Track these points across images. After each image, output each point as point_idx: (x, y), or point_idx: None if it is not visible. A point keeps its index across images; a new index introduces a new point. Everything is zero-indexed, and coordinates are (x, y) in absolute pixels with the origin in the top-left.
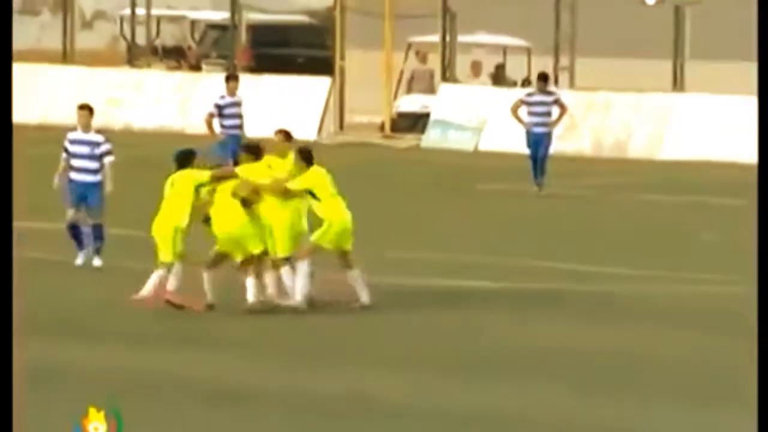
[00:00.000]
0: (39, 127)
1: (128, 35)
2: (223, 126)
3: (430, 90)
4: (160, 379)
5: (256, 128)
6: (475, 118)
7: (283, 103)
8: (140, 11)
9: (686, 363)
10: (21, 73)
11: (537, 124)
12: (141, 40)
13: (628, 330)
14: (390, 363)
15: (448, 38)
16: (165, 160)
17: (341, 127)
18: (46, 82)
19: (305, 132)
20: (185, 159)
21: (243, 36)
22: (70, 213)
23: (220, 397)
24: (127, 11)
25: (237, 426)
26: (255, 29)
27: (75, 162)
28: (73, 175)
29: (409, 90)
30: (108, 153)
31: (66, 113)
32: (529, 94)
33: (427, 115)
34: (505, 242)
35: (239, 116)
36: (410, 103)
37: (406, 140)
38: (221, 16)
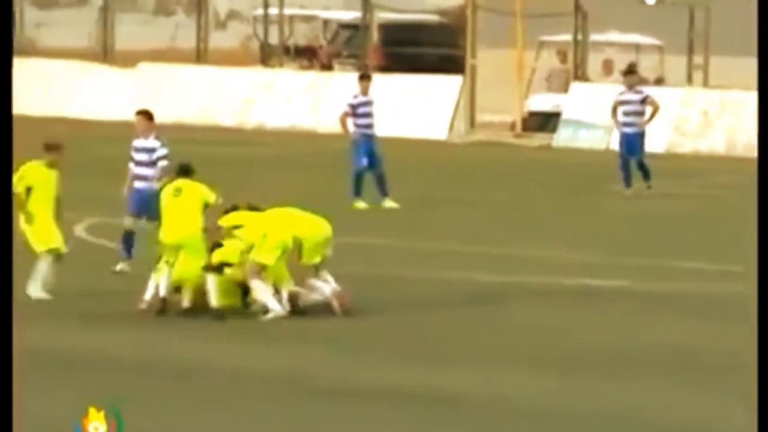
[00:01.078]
0: (173, 127)
1: (261, 35)
2: (356, 125)
3: (565, 89)
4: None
5: (387, 128)
6: (606, 117)
7: (414, 102)
8: (273, 11)
9: None
10: (155, 72)
11: (626, 124)
12: (273, 39)
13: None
14: (522, 362)
15: (579, 37)
16: (297, 159)
17: (472, 125)
18: (179, 82)
19: (436, 131)
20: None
21: (374, 35)
22: (128, 221)
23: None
24: (260, 11)
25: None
26: (386, 28)
27: (137, 170)
28: (136, 184)
29: (548, 89)
30: (162, 158)
31: (200, 113)
32: (622, 93)
33: (557, 114)
34: (636, 241)
35: (371, 115)
36: (541, 102)
37: (537, 139)
38: (353, 15)
